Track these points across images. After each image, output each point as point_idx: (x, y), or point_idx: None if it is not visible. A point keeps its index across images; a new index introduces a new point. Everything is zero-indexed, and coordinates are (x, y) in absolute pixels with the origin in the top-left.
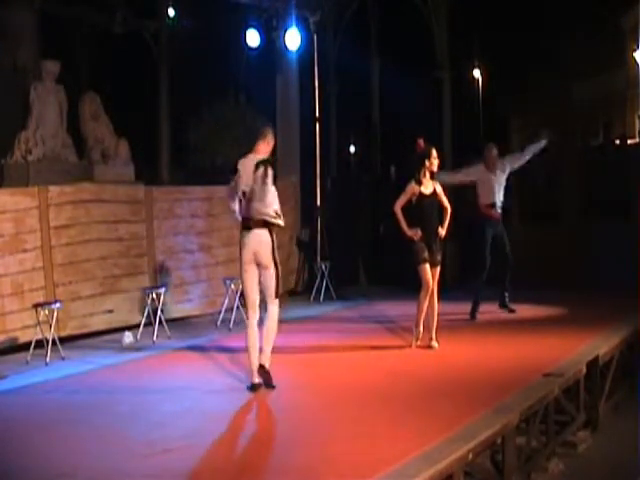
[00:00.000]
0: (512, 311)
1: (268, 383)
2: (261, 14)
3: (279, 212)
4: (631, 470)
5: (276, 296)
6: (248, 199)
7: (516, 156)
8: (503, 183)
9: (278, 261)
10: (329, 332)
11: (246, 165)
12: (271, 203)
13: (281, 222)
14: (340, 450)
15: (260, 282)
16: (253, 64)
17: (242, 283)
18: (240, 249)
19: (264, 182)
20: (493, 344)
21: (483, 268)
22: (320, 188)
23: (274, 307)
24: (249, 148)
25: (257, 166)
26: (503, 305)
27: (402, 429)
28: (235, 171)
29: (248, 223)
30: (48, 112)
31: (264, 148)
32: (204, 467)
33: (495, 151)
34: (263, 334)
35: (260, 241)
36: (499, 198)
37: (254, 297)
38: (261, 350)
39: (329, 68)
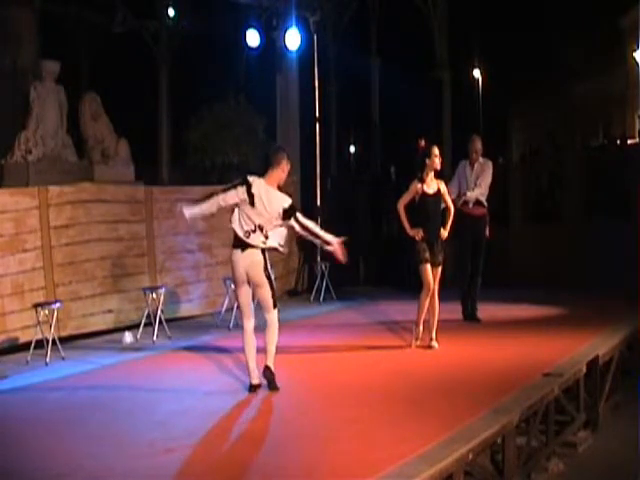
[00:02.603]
0: (479, 321)
1: (272, 385)
2: (261, 14)
3: (282, 243)
4: (631, 470)
5: (274, 307)
6: (259, 228)
7: (482, 185)
8: (481, 181)
9: (272, 276)
10: (329, 332)
11: (265, 199)
12: (277, 239)
13: (283, 250)
14: (340, 450)
15: (255, 297)
16: (253, 64)
17: (236, 299)
18: (232, 268)
19: (283, 224)
20: (493, 344)
21: (463, 272)
22: (320, 188)
23: (272, 316)
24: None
25: (286, 213)
26: (471, 317)
27: (402, 429)
28: (249, 193)
29: (243, 242)
30: (48, 112)
31: (277, 176)
32: (204, 467)
33: (479, 144)
34: (266, 338)
35: (253, 261)
36: (475, 193)
37: (249, 310)
38: (264, 351)
39: (329, 68)
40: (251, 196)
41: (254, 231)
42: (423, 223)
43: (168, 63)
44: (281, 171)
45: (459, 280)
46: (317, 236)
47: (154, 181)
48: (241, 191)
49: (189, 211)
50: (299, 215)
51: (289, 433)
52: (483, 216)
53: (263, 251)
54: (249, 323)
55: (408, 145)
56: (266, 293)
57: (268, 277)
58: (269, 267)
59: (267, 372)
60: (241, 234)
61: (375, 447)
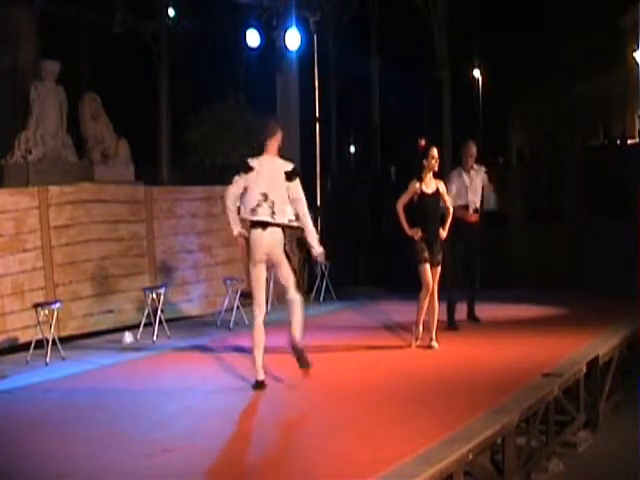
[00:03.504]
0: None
1: (301, 362)
2: (261, 14)
3: (292, 219)
4: (631, 470)
5: (297, 285)
6: (264, 197)
7: (487, 185)
8: (478, 187)
9: (290, 255)
10: (329, 332)
11: (266, 167)
12: (288, 215)
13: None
14: (340, 450)
15: (277, 278)
16: (253, 64)
17: (250, 281)
18: (250, 248)
19: (295, 190)
20: (493, 344)
21: (453, 282)
22: (320, 188)
23: (298, 296)
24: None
25: (288, 175)
26: (470, 317)
27: (402, 429)
28: (248, 168)
29: (259, 222)
30: (48, 112)
31: (274, 146)
32: (204, 467)
33: (474, 149)
34: (291, 317)
35: (274, 239)
36: (474, 200)
37: (262, 296)
38: (292, 333)
39: (329, 68)
40: (251, 169)
41: (259, 205)
42: (422, 223)
43: (168, 63)
44: (276, 140)
45: (460, 281)
46: (306, 231)
47: (154, 181)
48: (242, 173)
49: (237, 229)
50: (299, 185)
51: (288, 433)
52: (479, 220)
53: (283, 230)
54: (260, 315)
55: (408, 145)
56: (288, 272)
57: (287, 254)
58: (287, 245)
59: (295, 349)
60: (247, 214)
61: (375, 447)
